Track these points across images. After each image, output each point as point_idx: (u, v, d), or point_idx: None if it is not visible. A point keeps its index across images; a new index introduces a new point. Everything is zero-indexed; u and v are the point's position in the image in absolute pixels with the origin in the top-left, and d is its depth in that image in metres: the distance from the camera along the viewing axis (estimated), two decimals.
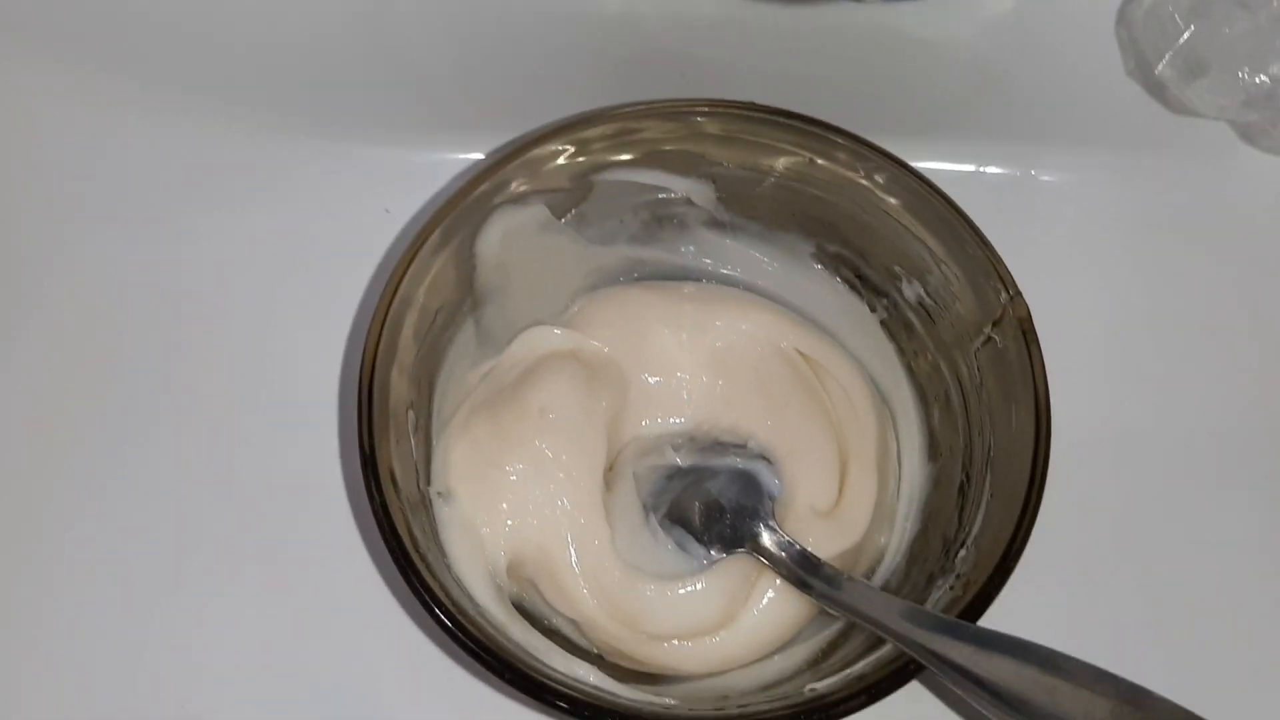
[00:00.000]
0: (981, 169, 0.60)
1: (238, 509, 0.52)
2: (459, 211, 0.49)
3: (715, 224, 0.53)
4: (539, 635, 0.47)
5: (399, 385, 0.48)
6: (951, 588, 0.45)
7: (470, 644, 0.42)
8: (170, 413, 0.53)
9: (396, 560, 0.43)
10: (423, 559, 0.44)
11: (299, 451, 0.53)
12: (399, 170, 0.58)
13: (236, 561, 0.51)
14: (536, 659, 0.45)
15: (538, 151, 0.49)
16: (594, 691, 0.43)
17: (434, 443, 0.50)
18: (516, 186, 0.50)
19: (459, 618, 0.43)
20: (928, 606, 0.45)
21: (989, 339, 0.48)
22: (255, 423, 0.53)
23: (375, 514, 0.44)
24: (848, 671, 0.44)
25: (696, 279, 0.55)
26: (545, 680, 0.42)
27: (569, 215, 0.52)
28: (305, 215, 0.57)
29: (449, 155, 0.58)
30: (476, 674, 0.50)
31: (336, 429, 0.54)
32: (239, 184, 0.57)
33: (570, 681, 0.43)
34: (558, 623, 0.50)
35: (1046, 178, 0.59)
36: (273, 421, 0.54)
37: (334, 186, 0.57)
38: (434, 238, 0.48)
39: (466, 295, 0.52)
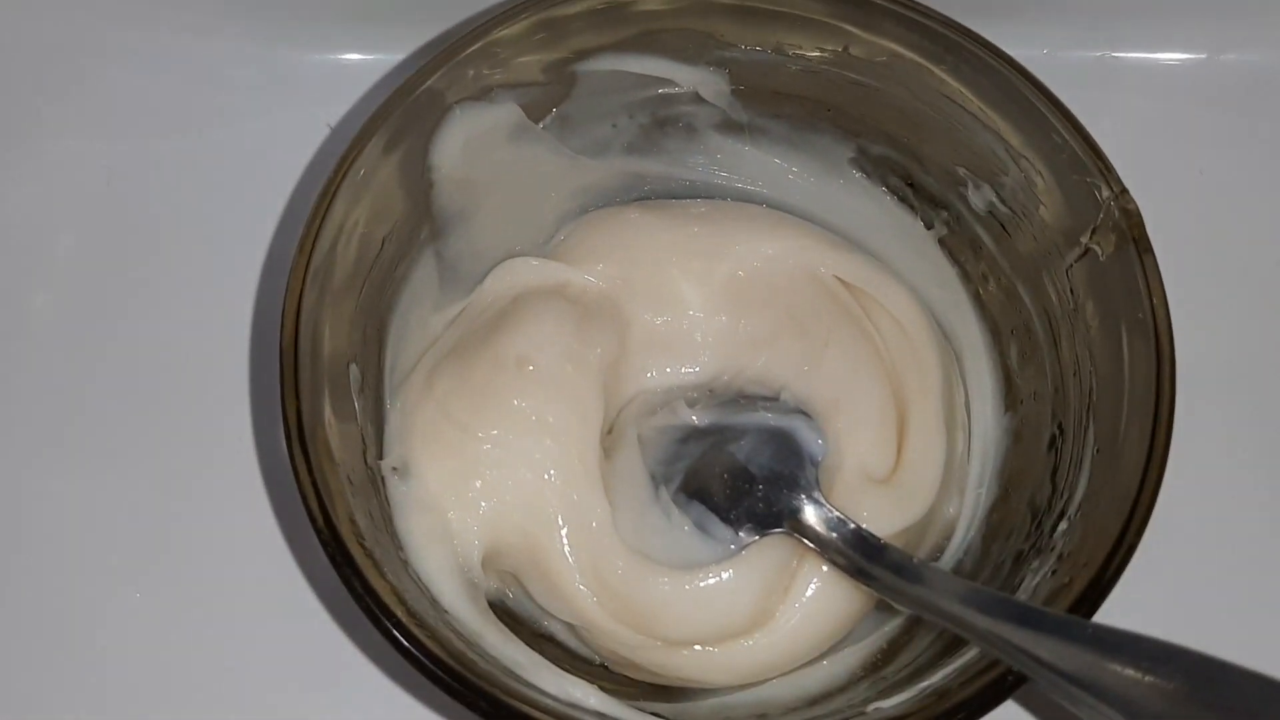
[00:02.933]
0: (1055, 53, 0.52)
1: (126, 473, 0.47)
2: (405, 110, 0.41)
3: (731, 126, 0.47)
4: (522, 647, 0.39)
5: (337, 332, 0.40)
6: (1054, 572, 0.37)
7: (426, 663, 0.34)
8: (62, 357, 0.49)
9: (330, 555, 0.35)
10: (367, 553, 0.36)
11: (201, 417, 0.47)
12: (336, 75, 0.51)
13: (128, 546, 0.46)
14: (518, 678, 0.37)
15: (502, 33, 0.41)
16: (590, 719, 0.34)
17: (387, 406, 0.43)
18: (478, 79, 0.42)
19: (412, 629, 0.34)
20: (1022, 595, 0.37)
21: (1086, 251, 0.40)
22: (154, 379, 0.48)
23: (303, 497, 0.35)
24: (921, 684, 0.36)
25: (709, 196, 0.49)
26: (525, 709, 0.33)
27: (548, 117, 0.45)
28: (225, 127, 0.51)
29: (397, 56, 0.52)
30: (438, 703, 0.42)
31: (247, 389, 0.47)
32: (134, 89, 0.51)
33: (560, 708, 0.35)
34: (551, 627, 0.43)
35: (1128, 57, 0.53)
36: (173, 379, 0.48)
37: (259, 94, 0.51)
38: (374, 144, 0.40)
39: (423, 220, 0.44)
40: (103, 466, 0.47)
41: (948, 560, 0.43)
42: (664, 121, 0.47)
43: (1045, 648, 0.32)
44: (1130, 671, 0.31)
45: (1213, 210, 0.50)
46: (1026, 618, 0.33)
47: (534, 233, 0.47)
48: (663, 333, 0.45)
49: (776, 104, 0.46)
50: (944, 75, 0.42)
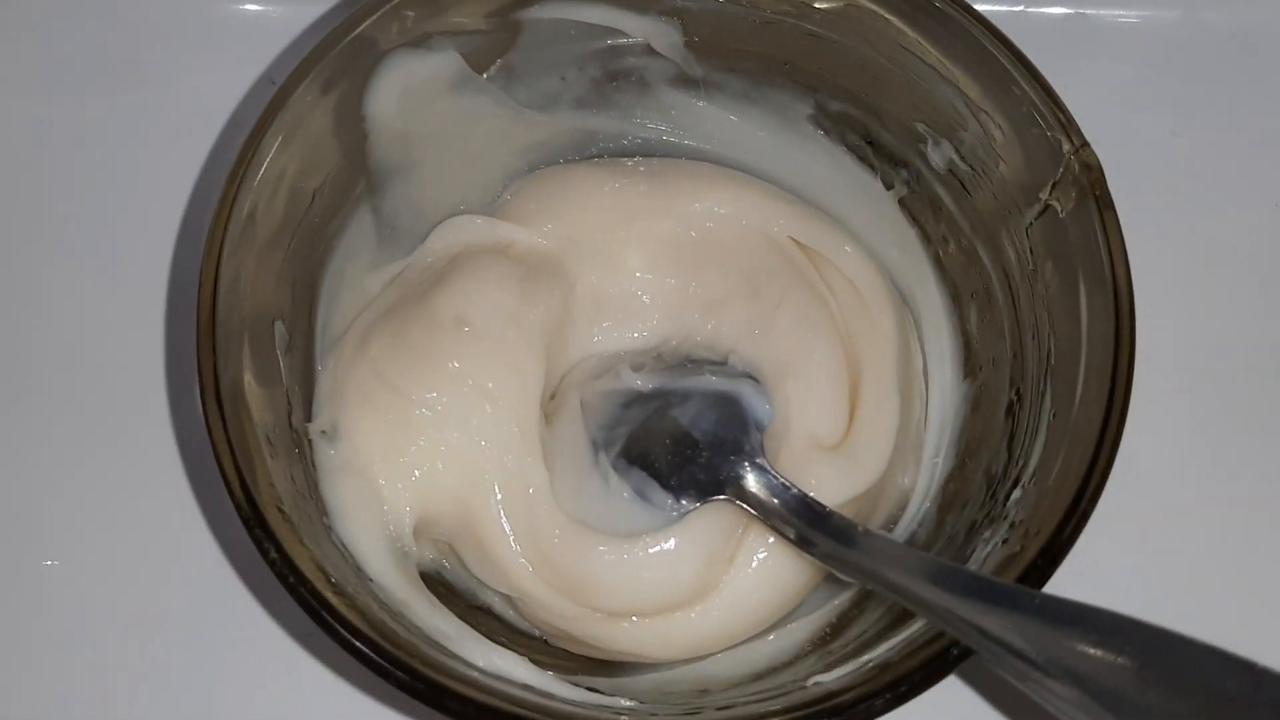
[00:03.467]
0: (1027, 9, 0.51)
1: (36, 434, 0.45)
2: (336, 55, 0.39)
3: (685, 80, 0.45)
4: (451, 618, 0.37)
5: (260, 287, 0.38)
6: (1005, 540, 0.35)
7: (341, 630, 0.32)
8: None
9: (244, 518, 0.33)
10: (285, 518, 0.34)
11: (114, 376, 0.45)
12: (269, 24, 0.49)
13: (39, 510, 0.44)
14: (443, 650, 0.35)
15: None
16: (516, 694, 0.33)
17: (318, 367, 0.41)
18: (415, 23, 0.40)
19: (327, 596, 0.32)
20: (973, 566, 0.36)
21: (1046, 208, 0.39)
22: (68, 334, 0.46)
23: (217, 458, 0.33)
24: (865, 658, 0.35)
25: (663, 154, 0.47)
26: (443, 680, 0.31)
27: (492, 68, 0.44)
28: (153, 79, 0.49)
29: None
30: (359, 678, 0.41)
31: (162, 346, 0.45)
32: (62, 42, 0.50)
33: (485, 681, 0.34)
34: (488, 599, 0.42)
35: (1105, 16, 0.51)
36: (87, 334, 0.46)
37: (189, 45, 0.49)
38: (303, 91, 0.39)
39: (359, 174, 0.42)
40: (13, 429, 0.45)
41: (901, 532, 0.42)
42: (615, 75, 0.45)
43: (992, 619, 0.31)
44: (1079, 645, 0.29)
45: (1183, 171, 0.49)
46: (973, 588, 0.31)
47: (479, 190, 0.45)
48: (610, 295, 0.44)
49: (732, 58, 0.44)
50: (903, 26, 0.40)
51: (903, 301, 0.44)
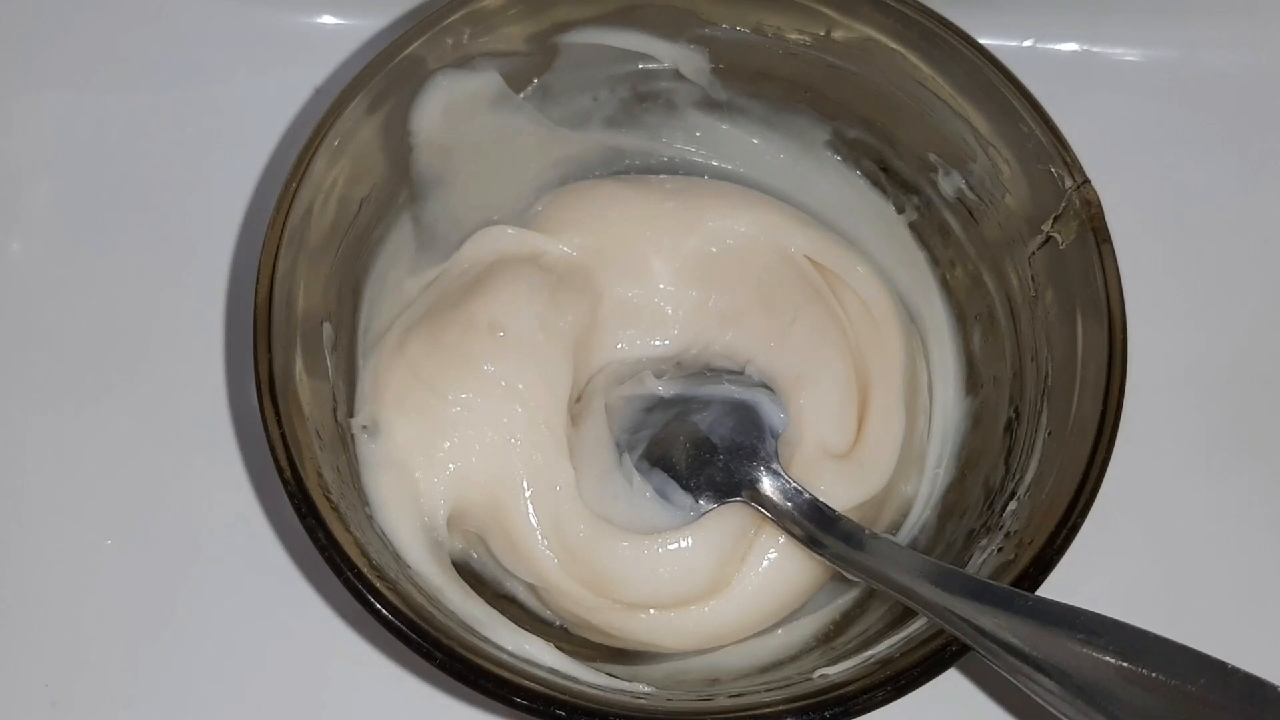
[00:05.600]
0: (1036, 44, 0.52)
1: (101, 423, 0.46)
2: (386, 74, 0.41)
3: (710, 104, 0.47)
4: (482, 604, 0.39)
5: (311, 290, 0.40)
6: (1000, 549, 0.37)
7: (385, 613, 0.34)
8: (37, 308, 0.48)
9: (296, 506, 0.35)
10: (332, 506, 0.36)
11: (176, 371, 0.46)
12: (321, 38, 0.51)
13: (101, 494, 0.45)
14: (475, 633, 0.37)
15: (485, 2, 0.41)
16: (544, 675, 0.35)
17: (360, 366, 0.43)
18: (459, 46, 0.42)
19: (372, 580, 0.34)
20: (969, 571, 0.37)
21: (1048, 239, 0.40)
22: (130, 331, 0.47)
23: (272, 449, 0.35)
24: (868, 653, 0.37)
25: (687, 173, 0.49)
26: (479, 661, 0.33)
27: (529, 88, 0.45)
28: (211, 85, 0.51)
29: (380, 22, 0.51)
30: (400, 656, 0.42)
31: (222, 344, 0.46)
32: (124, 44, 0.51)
33: (515, 663, 0.35)
34: (513, 588, 0.43)
35: (1113, 55, 0.52)
36: (149, 332, 0.47)
37: (246, 54, 0.51)
38: (355, 106, 0.40)
39: (402, 184, 0.44)
40: (77, 415, 0.46)
41: (904, 537, 0.43)
42: (644, 96, 0.47)
43: (987, 618, 0.33)
44: (1067, 643, 0.31)
45: (1178, 207, 0.50)
46: (970, 589, 0.34)
47: (512, 201, 0.46)
48: (634, 305, 0.45)
49: (755, 84, 0.46)
50: (918, 61, 0.42)
51: (910, 320, 0.46)
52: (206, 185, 0.49)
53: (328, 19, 0.51)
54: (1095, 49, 0.52)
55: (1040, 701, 0.32)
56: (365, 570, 0.34)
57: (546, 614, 0.43)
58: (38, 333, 0.47)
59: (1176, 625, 0.32)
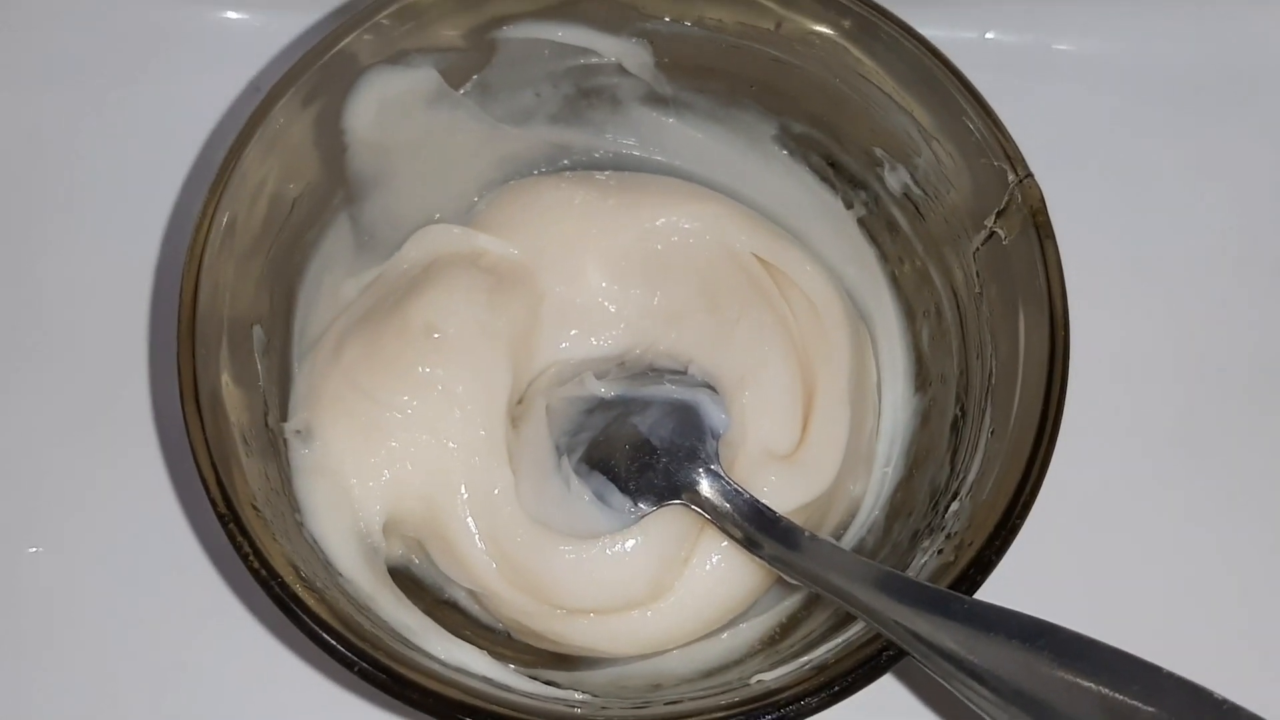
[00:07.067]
0: (985, 35, 0.52)
1: (21, 424, 0.46)
2: (316, 70, 0.40)
3: (655, 99, 0.46)
4: (416, 612, 0.39)
5: (240, 293, 0.39)
6: (940, 550, 0.37)
7: (307, 621, 0.33)
8: None
9: (219, 514, 0.35)
10: (258, 514, 0.35)
11: (99, 375, 0.45)
12: (254, 34, 0.50)
13: (24, 499, 0.45)
14: (406, 642, 0.36)
15: None
16: (474, 685, 0.35)
17: (294, 370, 0.42)
18: (393, 41, 0.41)
19: (295, 589, 0.33)
20: (911, 574, 0.37)
21: (991, 234, 0.40)
22: (53, 333, 0.47)
23: (194, 455, 0.35)
24: (805, 659, 0.36)
25: (633, 169, 0.48)
26: (404, 672, 0.33)
27: (469, 84, 0.45)
28: (139, 83, 0.50)
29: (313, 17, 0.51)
30: (327, 667, 0.42)
31: (146, 347, 0.45)
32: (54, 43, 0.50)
33: (445, 673, 0.34)
34: (455, 593, 0.43)
35: (1062, 45, 0.52)
36: (72, 334, 0.47)
37: (177, 51, 0.50)
38: (286, 103, 0.40)
39: (337, 184, 0.43)
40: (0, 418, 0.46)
41: (851, 538, 0.43)
42: (588, 92, 0.46)
43: (922, 622, 0.32)
44: (1002, 648, 0.31)
45: (1128, 199, 0.50)
46: (906, 592, 0.33)
47: (454, 200, 0.46)
48: (577, 304, 0.45)
49: (700, 79, 0.45)
50: (860, 54, 0.41)
51: (860, 318, 0.46)
52: (133, 184, 0.48)
53: (257, 15, 0.51)
54: (1046, 41, 0.52)
55: (974, 708, 0.32)
56: (289, 579, 0.34)
57: (487, 619, 0.42)
58: None
59: (1115, 628, 0.32)
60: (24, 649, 0.43)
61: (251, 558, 0.34)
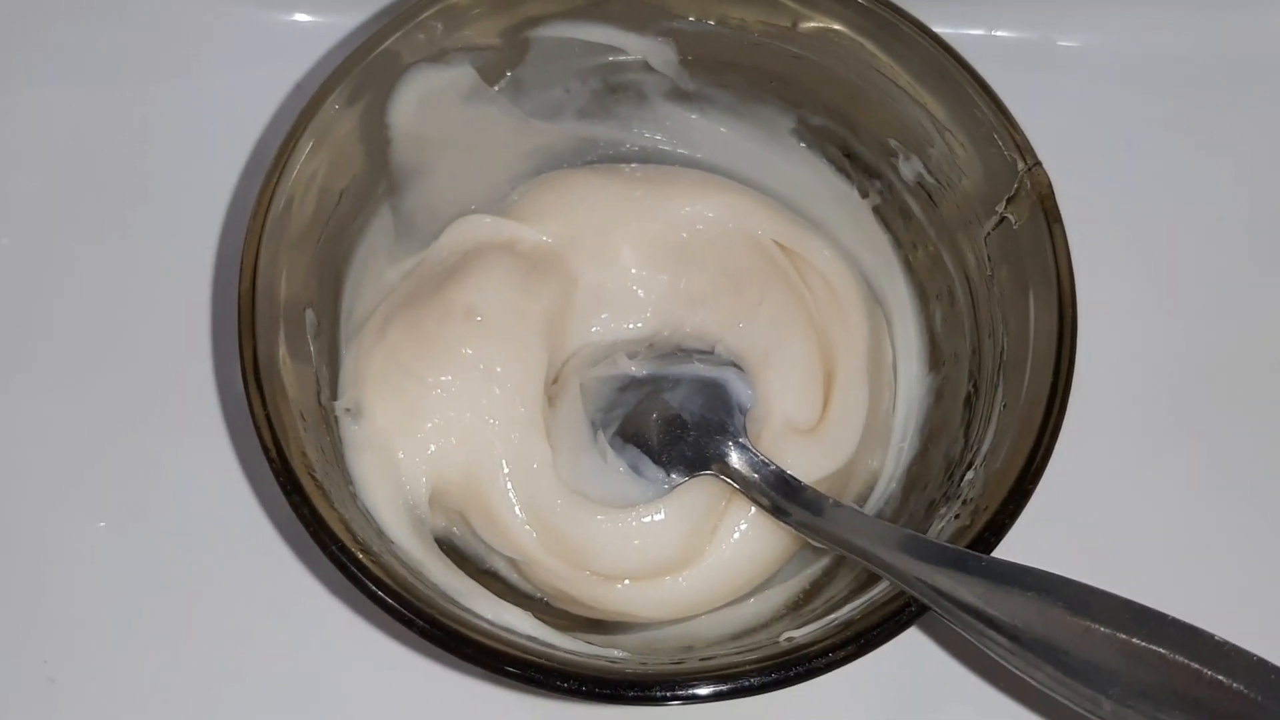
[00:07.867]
0: (992, 32, 0.54)
1: (93, 408, 0.47)
2: (363, 68, 0.42)
3: (679, 94, 0.48)
4: (463, 576, 0.40)
5: (293, 279, 0.41)
6: (957, 516, 0.39)
7: (369, 584, 0.35)
8: (26, 300, 0.49)
9: (282, 484, 0.36)
10: (317, 484, 0.37)
11: (164, 358, 0.47)
12: (299, 35, 0.52)
13: (93, 478, 0.47)
14: (456, 604, 0.38)
15: None
16: (522, 642, 0.36)
17: (342, 351, 0.44)
18: (433, 41, 0.43)
19: (356, 553, 0.35)
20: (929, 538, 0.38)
21: (1002, 219, 0.41)
22: (119, 321, 0.48)
23: (257, 430, 0.37)
24: (832, 617, 0.38)
25: (658, 161, 0.50)
26: (460, 629, 0.35)
27: (502, 81, 0.46)
28: (192, 81, 0.52)
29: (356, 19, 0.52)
30: (385, 626, 0.44)
31: (209, 332, 0.47)
32: (103, 42, 0.52)
33: (494, 631, 0.36)
34: (495, 563, 0.45)
35: (1066, 41, 0.54)
36: (137, 322, 0.48)
37: (227, 50, 0.52)
38: (334, 101, 0.42)
39: (380, 176, 0.45)
40: (71, 403, 0.47)
41: (869, 509, 0.44)
42: (615, 88, 0.48)
43: (943, 578, 0.34)
44: (1018, 599, 0.33)
45: (1130, 189, 0.51)
46: (927, 551, 0.35)
47: (488, 191, 0.48)
48: (607, 289, 0.46)
49: (722, 74, 0.47)
50: (876, 51, 0.43)
51: (875, 300, 0.47)
52: (190, 179, 0.49)
53: (305, 16, 0.52)
54: (1048, 36, 0.53)
55: (995, 656, 0.34)
56: (349, 544, 0.36)
57: (527, 587, 0.44)
58: (30, 325, 0.48)
59: (1119, 587, 0.34)
60: (97, 623, 0.45)
61: (312, 522, 0.36)
